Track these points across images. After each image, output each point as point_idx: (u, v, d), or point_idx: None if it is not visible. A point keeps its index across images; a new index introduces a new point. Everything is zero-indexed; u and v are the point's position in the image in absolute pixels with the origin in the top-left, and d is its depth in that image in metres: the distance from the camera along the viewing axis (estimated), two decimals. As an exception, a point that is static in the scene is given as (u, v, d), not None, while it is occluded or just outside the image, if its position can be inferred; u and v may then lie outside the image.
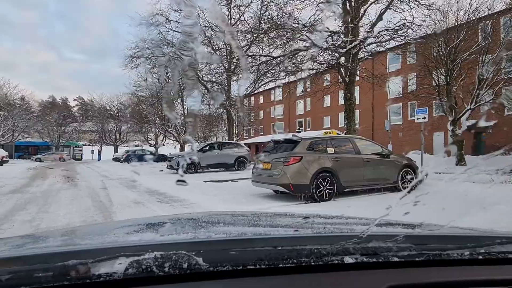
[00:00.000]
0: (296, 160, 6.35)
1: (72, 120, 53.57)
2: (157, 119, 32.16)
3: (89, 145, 54.20)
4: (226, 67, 21.20)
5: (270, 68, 11.69)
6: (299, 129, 39.06)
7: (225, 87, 21.68)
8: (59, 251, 0.81)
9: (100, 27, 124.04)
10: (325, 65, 11.00)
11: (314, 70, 11.03)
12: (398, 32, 9.68)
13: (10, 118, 38.49)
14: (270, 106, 44.86)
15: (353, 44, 9.25)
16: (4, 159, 27.09)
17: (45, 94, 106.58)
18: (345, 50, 9.34)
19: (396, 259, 0.75)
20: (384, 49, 10.60)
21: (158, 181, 11.23)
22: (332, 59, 10.44)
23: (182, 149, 31.58)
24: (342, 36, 9.77)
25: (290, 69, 11.45)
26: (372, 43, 9.96)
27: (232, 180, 11.53)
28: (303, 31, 9.82)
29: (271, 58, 11.14)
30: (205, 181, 11.33)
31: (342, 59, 11.04)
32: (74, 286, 0.62)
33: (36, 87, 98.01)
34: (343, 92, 11.72)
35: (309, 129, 38.57)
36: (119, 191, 9.20)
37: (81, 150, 46.89)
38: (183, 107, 32.05)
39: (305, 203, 6.53)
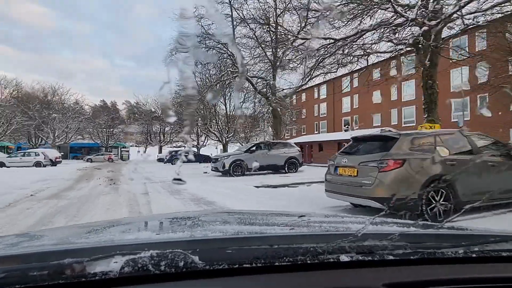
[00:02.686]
0: (398, 164, 4.49)
1: (120, 122, 55.73)
2: (199, 118, 31.54)
3: (135, 146, 56.22)
4: (272, 61, 19.73)
5: (330, 53, 9.81)
6: (346, 127, 36.51)
7: (271, 83, 20.17)
8: (54, 249, 0.79)
9: (146, 35, 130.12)
10: (401, 46, 8.90)
11: (388, 53, 9.01)
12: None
13: (64, 121, 40.71)
14: (314, 104, 42.68)
15: (449, 13, 7.09)
16: (57, 159, 28.08)
17: (98, 100, 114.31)
18: (437, 21, 7.17)
19: (391, 257, 0.74)
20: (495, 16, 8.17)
21: (204, 186, 9.96)
22: (413, 36, 8.30)
23: (224, 149, 30.69)
24: (432, 2, 7.58)
25: (357, 53, 9.53)
26: (476, 11, 7.56)
27: (287, 186, 9.92)
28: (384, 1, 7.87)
29: (333, 41, 9.29)
30: (256, 186, 9.84)
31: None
32: (69, 285, 0.60)
33: (91, 93, 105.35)
34: (422, 78, 9.52)
35: (357, 127, 35.70)
36: (161, 198, 8.01)
37: (128, 151, 48.40)
38: (225, 106, 31.22)
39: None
